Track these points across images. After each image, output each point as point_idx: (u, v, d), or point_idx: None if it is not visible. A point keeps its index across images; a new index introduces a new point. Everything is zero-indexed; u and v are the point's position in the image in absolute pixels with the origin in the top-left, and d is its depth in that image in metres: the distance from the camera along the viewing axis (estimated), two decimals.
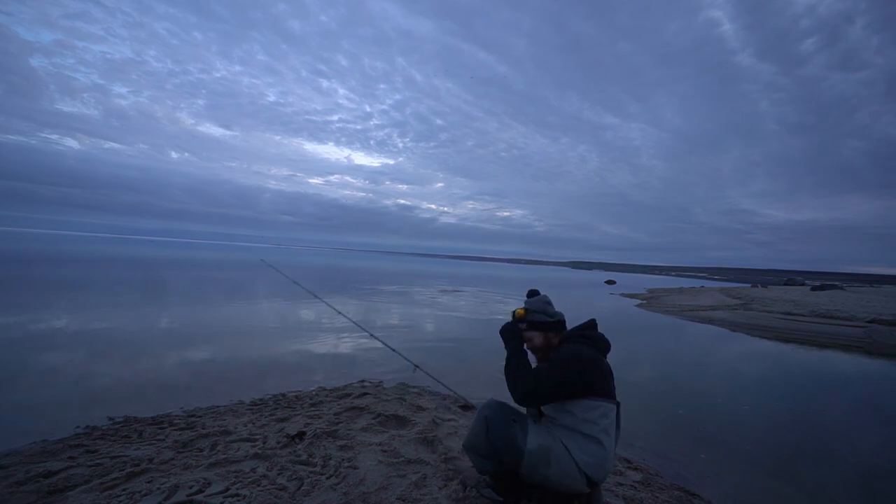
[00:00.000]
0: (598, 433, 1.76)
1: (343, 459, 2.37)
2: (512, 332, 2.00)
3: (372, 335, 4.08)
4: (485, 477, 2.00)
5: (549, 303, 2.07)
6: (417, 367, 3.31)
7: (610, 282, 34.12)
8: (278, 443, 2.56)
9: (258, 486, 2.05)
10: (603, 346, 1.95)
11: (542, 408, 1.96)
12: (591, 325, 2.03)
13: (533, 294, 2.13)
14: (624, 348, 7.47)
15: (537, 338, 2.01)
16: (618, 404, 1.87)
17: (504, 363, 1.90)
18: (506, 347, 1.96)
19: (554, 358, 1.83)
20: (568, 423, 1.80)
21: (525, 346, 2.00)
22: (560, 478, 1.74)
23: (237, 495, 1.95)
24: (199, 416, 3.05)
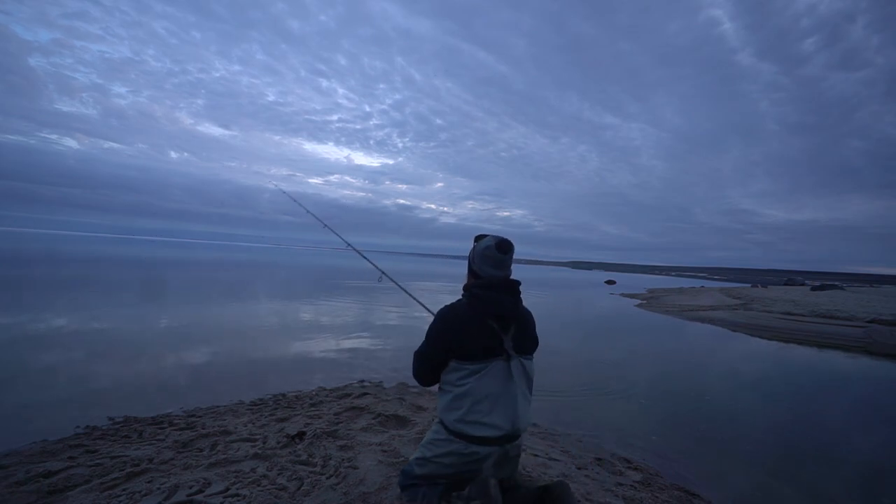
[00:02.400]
0: (462, 392, 1.65)
1: (343, 459, 2.37)
2: None
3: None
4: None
5: (490, 255, 1.78)
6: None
7: (610, 282, 34.13)
8: (278, 443, 2.55)
9: (258, 486, 2.05)
10: (490, 308, 1.71)
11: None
12: (491, 283, 1.76)
13: (478, 238, 1.91)
14: (624, 348, 7.47)
15: (468, 276, 1.91)
16: (508, 357, 1.69)
17: None
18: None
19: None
20: (442, 389, 1.77)
21: None
22: (444, 463, 1.69)
23: (237, 495, 1.95)
24: (199, 416, 3.05)
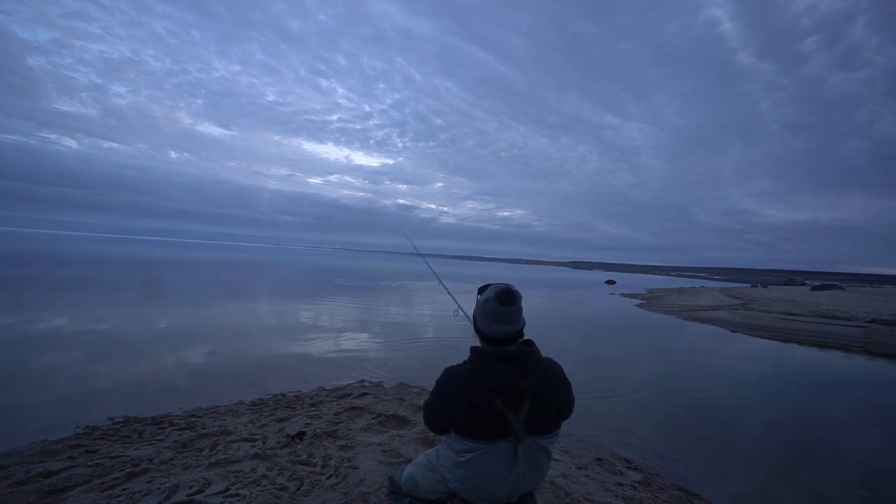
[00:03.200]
0: (463, 462, 1.50)
1: (343, 459, 2.37)
2: None
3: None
4: None
5: (489, 308, 1.56)
6: None
7: (610, 282, 34.13)
8: (278, 443, 2.56)
9: (258, 486, 2.05)
10: (491, 382, 1.44)
11: None
12: (494, 352, 1.52)
13: (481, 290, 1.68)
14: (624, 348, 7.47)
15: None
16: (517, 439, 1.46)
17: None
18: None
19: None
20: (442, 454, 1.65)
21: None
22: (434, 492, 1.69)
23: (237, 495, 1.95)
24: (199, 416, 3.05)
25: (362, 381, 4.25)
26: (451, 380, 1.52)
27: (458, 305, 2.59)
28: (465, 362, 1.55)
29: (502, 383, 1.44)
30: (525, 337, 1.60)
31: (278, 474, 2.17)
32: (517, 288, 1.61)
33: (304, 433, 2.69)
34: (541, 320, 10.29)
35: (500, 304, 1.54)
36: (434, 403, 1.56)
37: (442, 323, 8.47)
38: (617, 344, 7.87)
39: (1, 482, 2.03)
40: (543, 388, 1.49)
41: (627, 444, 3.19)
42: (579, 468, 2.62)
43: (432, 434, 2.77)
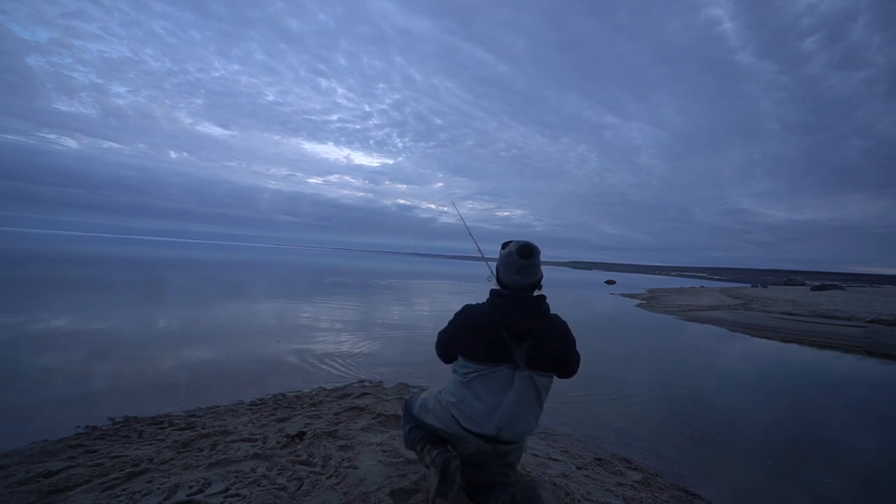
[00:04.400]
0: (465, 382, 1.71)
1: (343, 459, 2.37)
2: None
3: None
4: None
5: (511, 261, 1.74)
6: None
7: (610, 282, 34.12)
8: (278, 443, 2.55)
9: (258, 486, 2.05)
10: (503, 319, 1.68)
11: None
12: (511, 294, 1.73)
13: (505, 245, 1.87)
14: (624, 348, 7.47)
15: None
16: (516, 367, 1.68)
17: None
18: None
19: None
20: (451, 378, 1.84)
21: None
22: (438, 420, 1.84)
23: (237, 495, 1.95)
24: (199, 416, 3.05)
25: (362, 381, 4.25)
26: (470, 313, 1.78)
27: (492, 271, 2.80)
28: (484, 302, 1.80)
29: (511, 319, 1.68)
30: (541, 292, 1.82)
31: (278, 474, 2.16)
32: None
33: (304, 433, 2.69)
34: None
35: (521, 257, 1.74)
36: (449, 331, 1.84)
37: (442, 322, 8.47)
38: (617, 344, 7.87)
39: (1, 482, 2.03)
40: (545, 333, 1.73)
41: (627, 444, 3.19)
42: (579, 468, 2.62)
43: None
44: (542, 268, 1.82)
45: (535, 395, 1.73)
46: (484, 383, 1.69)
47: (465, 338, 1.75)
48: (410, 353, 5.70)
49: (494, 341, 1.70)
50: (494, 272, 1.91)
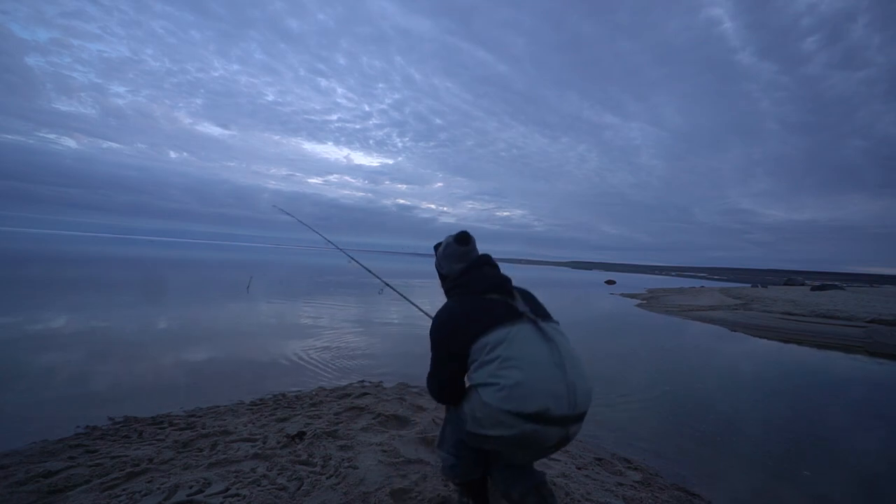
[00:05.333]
0: (498, 363, 1.34)
1: (343, 459, 2.37)
2: None
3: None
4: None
5: (451, 252, 1.68)
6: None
7: (610, 282, 34.12)
8: (278, 443, 2.55)
9: (258, 486, 2.05)
10: (480, 285, 1.56)
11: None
12: (470, 265, 1.63)
13: (437, 247, 1.82)
14: (624, 348, 7.47)
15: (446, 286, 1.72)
16: (531, 321, 1.44)
17: None
18: None
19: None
20: (473, 380, 1.43)
21: None
22: (492, 427, 1.35)
23: (237, 495, 1.95)
24: (199, 416, 3.05)
25: (362, 381, 4.25)
26: (442, 317, 1.55)
27: (384, 282, 2.96)
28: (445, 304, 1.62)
29: (493, 280, 1.58)
30: None
31: (278, 474, 2.16)
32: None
33: (304, 433, 2.69)
34: None
35: (459, 244, 1.68)
36: (437, 357, 1.53)
37: None
38: (617, 344, 7.87)
39: (1, 482, 2.03)
40: (521, 288, 1.64)
41: (627, 444, 3.19)
42: (579, 468, 2.62)
43: (432, 434, 2.78)
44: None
45: (569, 342, 1.46)
46: (518, 342, 1.36)
47: (464, 327, 1.44)
48: (410, 353, 5.69)
49: (493, 305, 1.48)
50: (437, 271, 1.78)
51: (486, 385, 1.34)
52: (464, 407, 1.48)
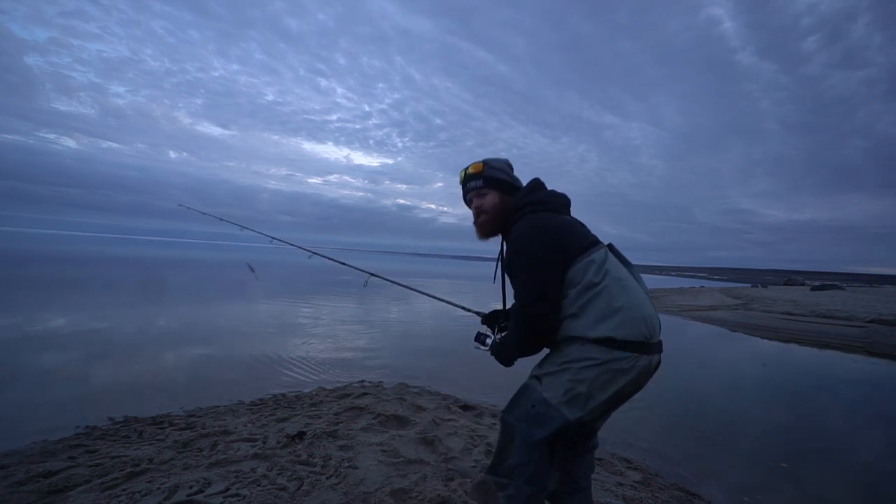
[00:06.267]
0: (602, 286, 1.29)
1: (343, 459, 2.37)
2: (482, 336, 1.68)
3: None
4: None
5: (511, 167, 1.65)
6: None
7: None
8: (278, 443, 2.55)
9: (258, 486, 2.05)
10: (558, 202, 1.51)
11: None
12: (536, 185, 1.57)
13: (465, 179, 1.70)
14: None
15: (492, 198, 1.56)
16: (607, 245, 1.47)
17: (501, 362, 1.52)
18: (495, 355, 1.54)
19: (517, 248, 1.39)
20: (568, 316, 1.31)
21: (473, 208, 1.60)
22: (609, 383, 1.28)
23: (237, 495, 1.95)
24: (199, 416, 3.05)
25: (362, 381, 4.25)
26: (539, 217, 1.40)
27: (370, 273, 2.89)
28: (520, 213, 1.46)
29: (567, 200, 1.54)
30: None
31: (278, 474, 2.16)
32: None
33: (304, 433, 2.69)
34: None
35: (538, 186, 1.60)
36: (542, 259, 1.32)
37: (443, 321, 8.46)
38: None
39: (1, 482, 2.02)
40: None
41: (627, 444, 3.19)
42: None
43: (432, 434, 2.77)
44: None
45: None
46: (610, 266, 1.34)
47: (566, 245, 1.33)
48: (410, 353, 5.69)
49: (580, 226, 1.45)
50: (493, 180, 1.57)
51: (601, 319, 1.25)
52: (560, 380, 1.31)
